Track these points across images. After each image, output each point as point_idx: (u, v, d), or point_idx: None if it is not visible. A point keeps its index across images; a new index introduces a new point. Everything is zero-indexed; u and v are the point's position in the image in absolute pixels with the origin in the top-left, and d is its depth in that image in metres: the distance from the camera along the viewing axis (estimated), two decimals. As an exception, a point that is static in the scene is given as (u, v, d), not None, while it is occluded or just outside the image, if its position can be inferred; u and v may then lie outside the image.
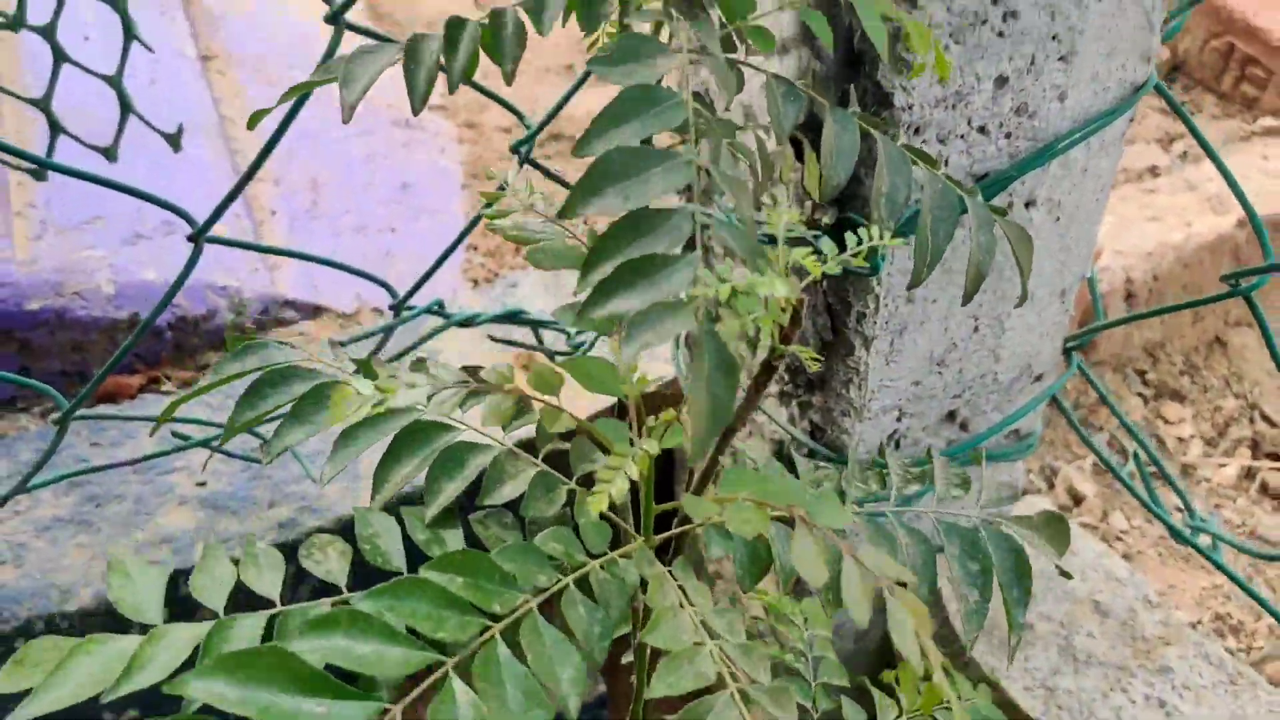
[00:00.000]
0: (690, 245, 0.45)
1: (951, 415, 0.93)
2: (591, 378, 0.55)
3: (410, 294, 0.95)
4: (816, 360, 0.57)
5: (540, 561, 0.51)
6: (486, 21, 0.54)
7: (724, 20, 0.57)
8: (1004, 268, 0.83)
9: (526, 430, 0.60)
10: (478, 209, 0.88)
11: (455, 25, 0.54)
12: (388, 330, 0.94)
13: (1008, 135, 0.75)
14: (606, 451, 0.51)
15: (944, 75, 0.59)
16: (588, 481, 0.60)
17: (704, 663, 0.48)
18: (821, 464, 0.75)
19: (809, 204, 0.78)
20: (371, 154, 1.58)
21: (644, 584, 0.53)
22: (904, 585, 0.47)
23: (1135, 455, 1.02)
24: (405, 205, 1.47)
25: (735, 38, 0.58)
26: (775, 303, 0.47)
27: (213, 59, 1.68)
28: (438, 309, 0.99)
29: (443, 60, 0.53)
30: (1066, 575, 0.64)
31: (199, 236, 0.80)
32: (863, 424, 0.86)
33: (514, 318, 1.04)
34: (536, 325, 1.06)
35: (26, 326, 1.09)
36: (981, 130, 0.74)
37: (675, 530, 0.57)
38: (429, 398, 0.58)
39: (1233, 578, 0.91)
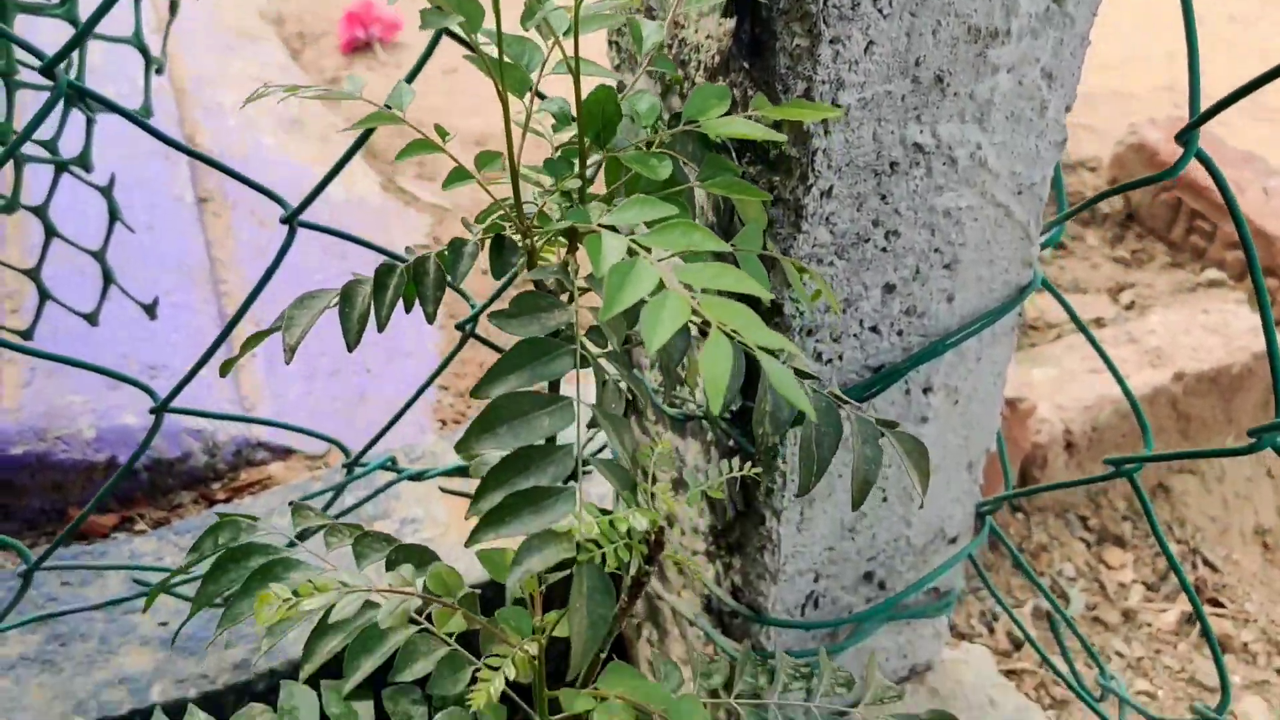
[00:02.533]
0: (572, 477, 0.53)
1: (869, 576, 0.98)
2: (494, 564, 0.62)
3: (363, 453, 1.02)
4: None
5: (434, 747, 0.57)
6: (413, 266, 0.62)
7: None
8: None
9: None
10: (451, 350, 0.95)
11: (384, 272, 0.62)
12: (339, 489, 1.01)
13: (899, 333, 0.83)
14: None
15: (834, 310, 0.67)
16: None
17: None
18: (725, 645, 0.81)
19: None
20: (354, 294, 1.66)
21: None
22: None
23: (1051, 618, 1.07)
24: (381, 347, 1.55)
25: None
26: (638, 534, 0.54)
27: (209, 201, 1.78)
28: (390, 464, 1.06)
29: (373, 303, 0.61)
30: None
31: (160, 409, 0.88)
32: (778, 586, 0.92)
33: (464, 471, 1.11)
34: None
35: (10, 469, 1.16)
36: (874, 330, 0.81)
37: (565, 715, 0.63)
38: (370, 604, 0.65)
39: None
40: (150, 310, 1.06)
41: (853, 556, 0.96)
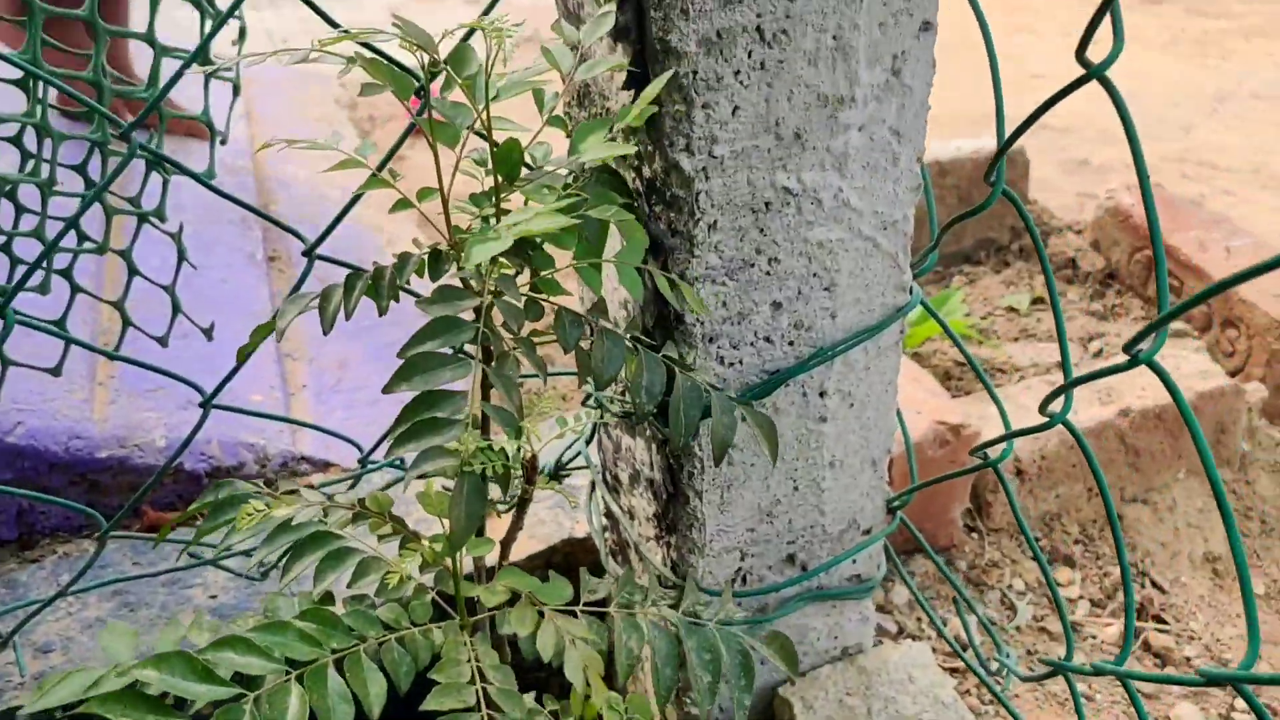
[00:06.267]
0: (465, 414, 0.73)
1: (791, 558, 1.16)
2: (430, 501, 0.82)
3: (372, 450, 1.23)
4: (555, 483, 0.82)
5: (374, 624, 0.77)
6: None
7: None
8: (809, 441, 1.08)
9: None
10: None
11: (352, 277, 0.83)
12: (356, 477, 1.22)
13: (790, 343, 1.01)
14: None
15: (700, 311, 0.87)
16: (438, 578, 0.86)
17: (468, 693, 0.73)
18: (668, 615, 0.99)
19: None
20: (396, 342, 1.90)
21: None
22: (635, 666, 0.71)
23: (958, 607, 1.23)
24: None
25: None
26: (517, 457, 0.74)
27: (277, 259, 2.05)
28: (399, 464, 1.27)
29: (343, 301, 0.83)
30: (791, 675, 0.86)
31: (206, 404, 1.10)
32: (705, 560, 1.10)
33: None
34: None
35: (96, 470, 1.40)
36: (767, 340, 1.00)
37: (482, 615, 0.82)
38: (325, 514, 0.85)
39: (1009, 710, 1.10)
40: (208, 333, 1.29)
41: (774, 539, 1.13)
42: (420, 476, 0.71)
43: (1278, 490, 1.72)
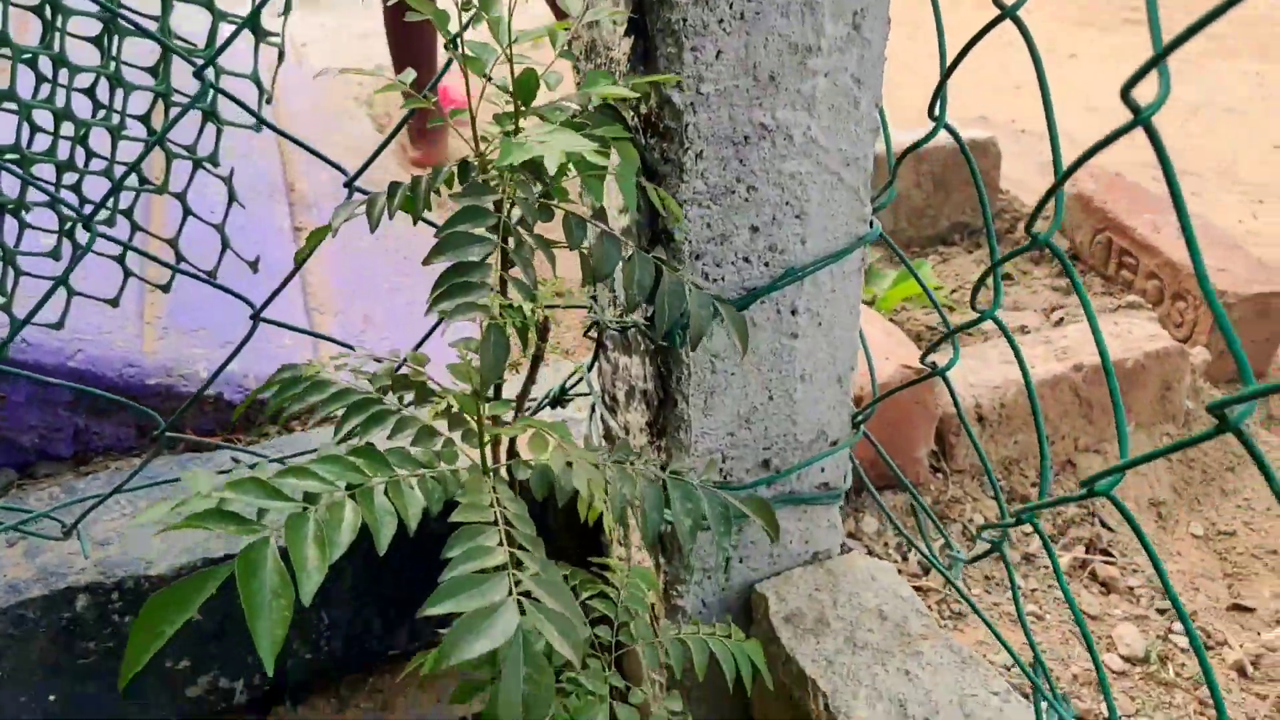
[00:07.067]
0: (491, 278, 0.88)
1: (766, 463, 1.31)
2: (460, 371, 0.98)
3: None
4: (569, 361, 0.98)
5: (412, 462, 0.93)
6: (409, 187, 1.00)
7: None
8: (782, 354, 1.24)
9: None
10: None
11: (393, 186, 1.00)
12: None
13: (766, 264, 1.17)
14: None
15: (679, 220, 1.03)
16: (464, 436, 1.01)
17: (488, 513, 0.88)
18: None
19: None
20: (414, 300, 2.06)
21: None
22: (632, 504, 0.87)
23: (913, 508, 1.38)
24: (436, 340, 1.93)
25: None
26: (532, 316, 0.90)
27: (303, 230, 2.21)
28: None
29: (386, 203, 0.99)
30: (772, 536, 1.01)
31: (255, 317, 1.26)
32: (691, 459, 1.25)
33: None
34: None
35: (146, 396, 1.56)
36: (745, 260, 1.16)
37: (505, 463, 0.98)
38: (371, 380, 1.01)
39: (962, 595, 1.25)
40: (254, 266, 1.45)
41: (751, 444, 1.28)
42: (453, 318, 0.86)
43: (1217, 444, 1.88)
